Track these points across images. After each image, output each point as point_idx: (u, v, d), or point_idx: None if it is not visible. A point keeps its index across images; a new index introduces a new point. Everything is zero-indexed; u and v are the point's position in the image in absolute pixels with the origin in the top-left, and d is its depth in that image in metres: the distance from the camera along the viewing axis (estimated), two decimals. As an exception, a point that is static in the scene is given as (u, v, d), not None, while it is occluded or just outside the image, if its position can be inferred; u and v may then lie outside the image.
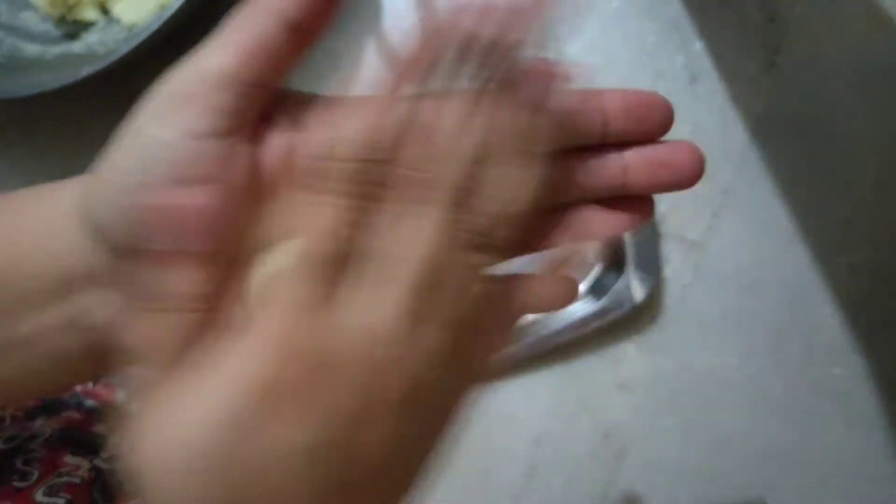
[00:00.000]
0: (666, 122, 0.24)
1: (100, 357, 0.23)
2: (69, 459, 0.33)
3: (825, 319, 0.47)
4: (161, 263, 0.20)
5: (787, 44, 0.47)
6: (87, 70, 0.43)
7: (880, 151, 0.47)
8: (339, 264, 0.20)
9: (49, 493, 0.31)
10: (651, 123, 0.24)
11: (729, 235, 0.47)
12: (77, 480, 0.33)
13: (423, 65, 0.21)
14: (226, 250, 0.20)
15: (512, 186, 0.21)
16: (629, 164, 0.24)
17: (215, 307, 0.20)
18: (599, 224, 0.24)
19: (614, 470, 0.48)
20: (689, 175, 0.24)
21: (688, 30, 0.48)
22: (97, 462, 0.34)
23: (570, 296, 0.24)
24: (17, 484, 0.31)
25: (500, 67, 0.21)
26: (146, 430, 0.19)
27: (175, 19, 0.43)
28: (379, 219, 0.20)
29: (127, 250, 0.21)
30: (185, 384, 0.19)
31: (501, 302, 0.23)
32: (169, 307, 0.20)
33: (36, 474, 0.32)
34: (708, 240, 0.48)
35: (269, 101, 0.21)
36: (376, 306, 0.19)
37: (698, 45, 0.48)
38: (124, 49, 0.43)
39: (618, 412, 0.48)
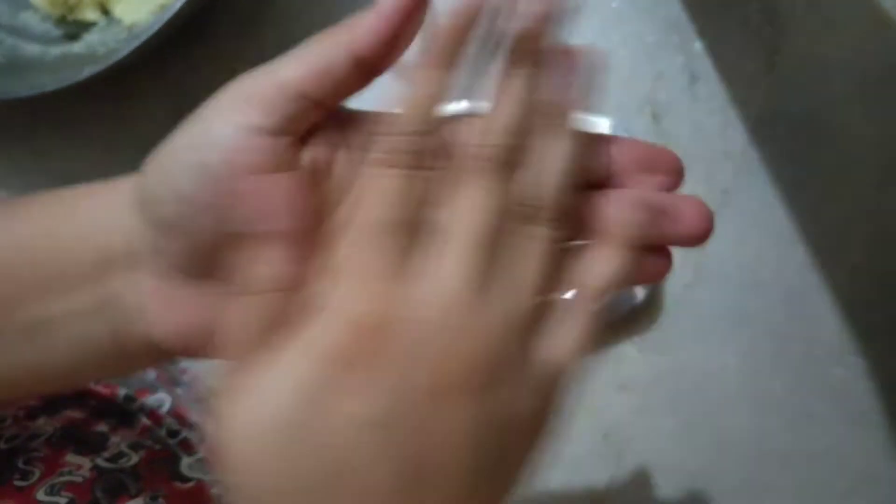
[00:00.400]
0: (675, 179, 0.24)
1: (123, 349, 0.24)
2: (70, 458, 0.33)
3: (825, 320, 0.47)
4: (249, 246, 0.21)
5: (787, 44, 0.47)
6: (87, 71, 0.43)
7: (880, 151, 0.47)
8: (405, 234, 0.21)
9: (50, 493, 0.32)
10: (658, 173, 0.24)
11: (729, 235, 0.47)
12: (78, 479, 0.33)
13: (458, 44, 0.22)
14: (306, 230, 0.22)
15: (553, 156, 0.22)
16: (626, 205, 0.24)
17: (298, 286, 0.21)
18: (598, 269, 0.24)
19: (614, 470, 0.48)
20: (693, 229, 0.24)
21: (688, 30, 0.48)
22: (98, 461, 0.34)
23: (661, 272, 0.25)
24: (18, 483, 0.31)
25: (529, 45, 0.22)
26: (231, 406, 0.20)
27: (176, 20, 0.43)
28: (435, 191, 0.21)
29: (174, 227, 0.22)
30: (269, 360, 0.20)
31: (573, 268, 0.23)
32: (259, 290, 0.21)
33: (37, 473, 0.32)
34: (708, 240, 0.48)
35: (322, 118, 0.23)
36: (442, 275, 0.20)
37: (698, 45, 0.48)
38: (125, 50, 0.43)
39: (618, 412, 0.48)
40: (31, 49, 0.51)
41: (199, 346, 0.24)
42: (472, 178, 0.21)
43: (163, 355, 0.25)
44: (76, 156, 0.52)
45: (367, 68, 0.22)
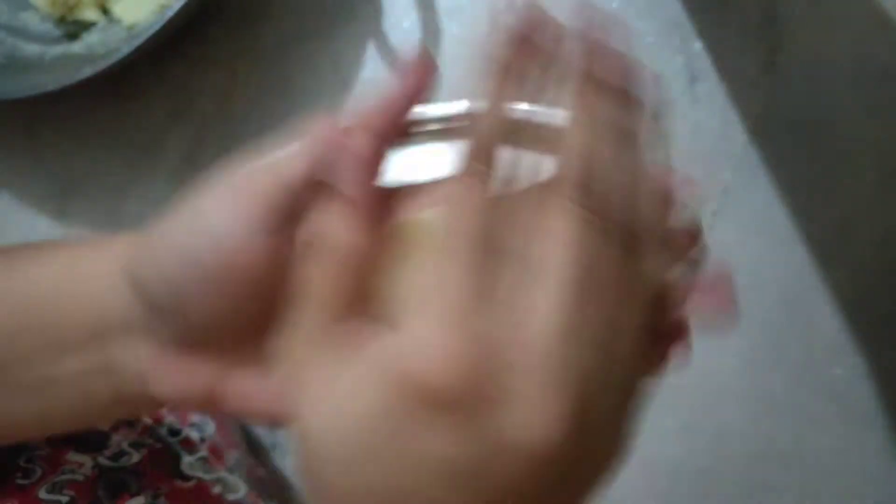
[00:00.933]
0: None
1: (128, 402, 0.25)
2: (72, 457, 0.33)
3: (825, 319, 0.47)
4: (323, 207, 0.20)
5: (787, 44, 0.47)
6: (87, 71, 0.43)
7: (880, 151, 0.47)
8: (493, 257, 0.18)
9: (52, 491, 0.32)
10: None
11: (729, 235, 0.47)
12: (80, 478, 0.33)
13: (518, 70, 0.20)
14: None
15: (634, 175, 0.20)
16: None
17: (361, 292, 0.20)
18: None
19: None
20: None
21: (688, 30, 0.48)
22: (100, 459, 0.34)
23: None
24: (20, 482, 0.31)
25: (593, 63, 0.21)
26: (308, 406, 0.19)
27: (176, 20, 0.43)
28: (517, 216, 0.19)
29: (164, 309, 0.22)
30: (344, 365, 0.19)
31: (673, 303, 0.21)
32: (334, 250, 0.20)
33: (39, 472, 0.32)
34: (708, 240, 0.48)
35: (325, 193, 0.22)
36: (541, 313, 0.18)
37: (698, 45, 0.48)
38: (125, 49, 0.43)
39: (618, 412, 0.48)
40: (31, 49, 0.51)
41: (202, 405, 0.24)
42: (565, 205, 0.19)
43: (168, 406, 0.25)
44: (76, 156, 0.52)
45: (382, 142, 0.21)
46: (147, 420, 0.38)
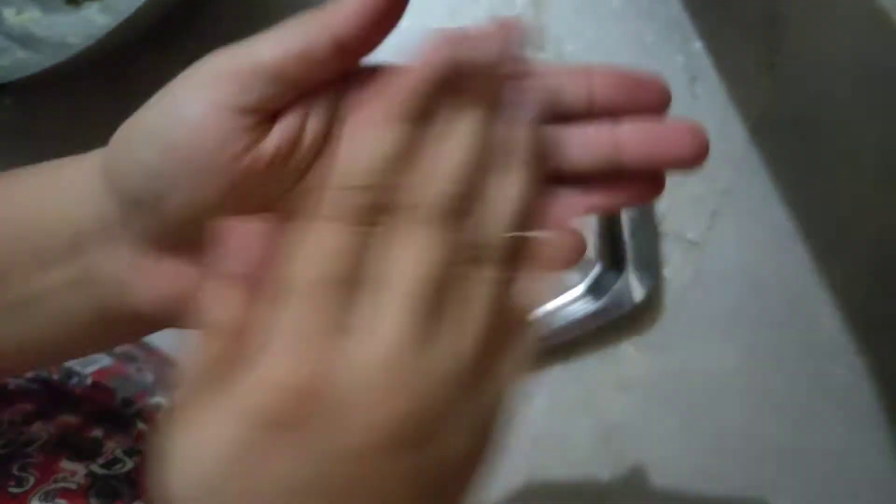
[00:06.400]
0: (660, 100, 0.23)
1: (109, 318, 0.24)
2: (65, 465, 0.33)
3: (825, 319, 0.47)
4: (213, 286, 0.20)
5: (787, 44, 0.47)
6: (83, 43, 0.42)
7: (880, 151, 0.47)
8: (344, 291, 0.19)
9: (44, 499, 0.31)
10: (643, 101, 0.23)
11: (729, 235, 0.47)
12: (73, 486, 0.32)
13: (419, 100, 0.21)
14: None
15: (504, 199, 0.21)
16: (621, 137, 0.23)
17: (246, 333, 0.20)
18: (583, 202, 0.23)
19: (614, 470, 0.48)
20: (689, 152, 0.22)
21: (688, 30, 0.48)
22: (93, 467, 0.34)
23: (579, 250, 0.23)
24: (12, 490, 0.31)
25: (482, 86, 0.22)
26: (171, 454, 0.19)
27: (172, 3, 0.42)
28: (376, 243, 0.20)
29: (141, 202, 0.22)
30: (205, 410, 0.19)
31: (514, 300, 0.22)
32: (216, 332, 0.20)
33: (32, 480, 0.32)
34: (708, 240, 0.48)
35: (297, 99, 0.22)
36: (379, 332, 0.19)
37: (698, 45, 0.48)
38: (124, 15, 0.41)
39: (618, 412, 0.48)
40: (31, 16, 0.50)
41: (183, 315, 0.24)
42: (414, 229, 0.20)
43: (149, 326, 0.25)
44: (74, 154, 0.51)
45: (347, 52, 0.22)
46: (142, 426, 0.38)
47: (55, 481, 0.32)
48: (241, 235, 0.20)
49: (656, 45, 0.48)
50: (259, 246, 0.20)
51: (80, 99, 0.50)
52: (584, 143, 0.23)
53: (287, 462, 0.18)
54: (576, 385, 0.49)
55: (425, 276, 0.20)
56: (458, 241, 0.21)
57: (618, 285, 0.47)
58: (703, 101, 0.48)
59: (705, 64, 0.48)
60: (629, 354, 0.49)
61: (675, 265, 0.48)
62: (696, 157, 0.22)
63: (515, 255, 0.22)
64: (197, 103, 0.21)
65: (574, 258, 0.23)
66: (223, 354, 0.20)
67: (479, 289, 0.21)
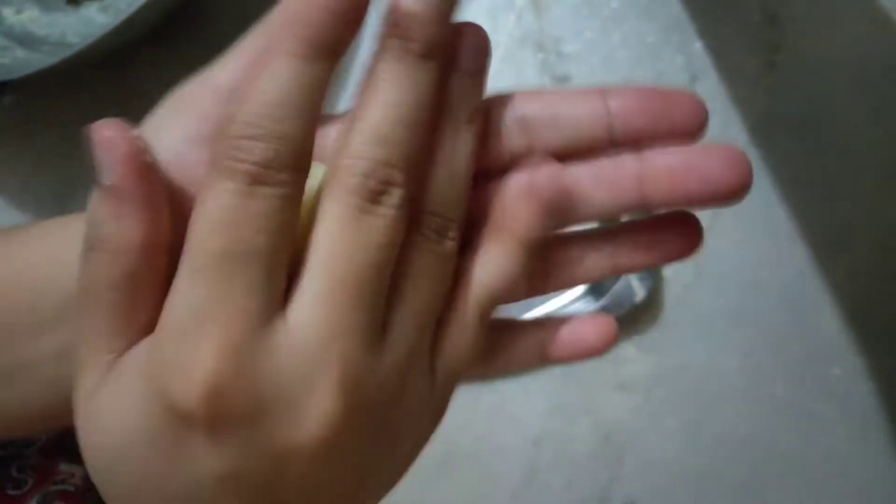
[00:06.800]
0: (694, 121, 0.20)
1: None
2: (63, 467, 0.33)
3: (825, 319, 0.47)
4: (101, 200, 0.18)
5: (787, 44, 0.47)
6: (85, 42, 0.41)
7: (880, 151, 0.47)
8: (252, 267, 0.17)
9: (42, 502, 0.31)
10: (673, 124, 0.19)
11: (729, 235, 0.47)
12: (71, 489, 0.32)
13: (330, 32, 0.18)
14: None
15: (453, 168, 0.19)
16: (645, 171, 0.20)
17: (153, 258, 0.18)
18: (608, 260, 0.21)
19: (614, 470, 0.48)
20: (727, 183, 0.19)
21: (688, 30, 0.48)
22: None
23: (608, 337, 0.22)
24: (10, 492, 0.31)
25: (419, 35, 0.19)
26: (83, 415, 0.18)
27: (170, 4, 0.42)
28: (288, 210, 0.17)
29: None
30: (111, 381, 0.18)
31: (469, 273, 0.20)
32: (107, 247, 0.18)
33: (30, 482, 0.31)
34: (708, 240, 0.48)
35: None
36: (304, 319, 0.17)
37: (698, 45, 0.48)
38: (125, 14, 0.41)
39: (618, 412, 0.48)
40: (31, 15, 0.50)
41: None
42: (351, 202, 0.17)
43: None
44: (76, 156, 0.51)
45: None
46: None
47: (53, 483, 0.32)
48: (110, 140, 0.18)
49: (656, 45, 0.48)
50: (130, 153, 0.18)
51: (79, 98, 0.50)
52: (602, 180, 0.20)
53: (217, 460, 0.17)
54: (576, 385, 0.49)
55: (362, 259, 0.17)
56: (403, 218, 0.18)
57: (618, 285, 0.47)
58: (703, 101, 0.48)
59: (705, 64, 0.48)
60: (629, 354, 0.49)
61: (675, 265, 0.48)
62: (735, 188, 0.19)
63: (470, 224, 0.20)
64: (169, 141, 0.21)
65: (603, 346, 0.22)
66: (123, 309, 0.18)
67: (427, 263, 0.19)
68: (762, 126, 0.47)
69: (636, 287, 0.47)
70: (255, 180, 0.17)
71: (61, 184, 0.51)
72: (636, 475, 0.48)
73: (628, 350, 0.48)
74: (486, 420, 0.49)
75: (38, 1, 0.51)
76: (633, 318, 0.48)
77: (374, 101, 0.18)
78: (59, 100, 0.51)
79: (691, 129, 0.20)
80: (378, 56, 0.19)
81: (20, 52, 0.49)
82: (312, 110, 0.18)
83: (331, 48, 0.18)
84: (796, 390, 0.47)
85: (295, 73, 0.17)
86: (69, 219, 0.24)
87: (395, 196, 0.18)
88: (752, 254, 0.48)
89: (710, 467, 0.48)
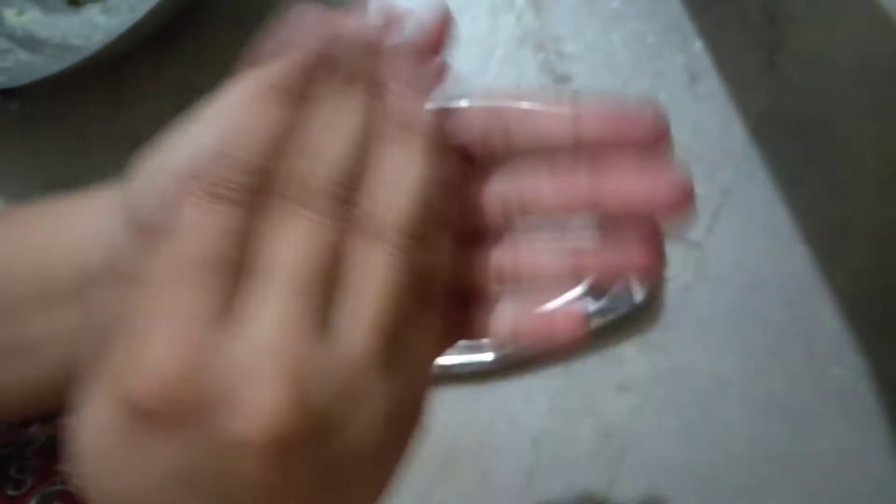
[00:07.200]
0: (653, 136, 0.21)
1: None
2: (63, 467, 0.33)
3: (825, 319, 0.47)
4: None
5: (787, 44, 0.47)
6: (87, 50, 0.42)
7: (880, 151, 0.47)
8: (223, 275, 0.18)
9: (43, 502, 0.31)
10: (634, 138, 0.21)
11: (729, 235, 0.47)
12: (71, 489, 0.32)
13: (306, 78, 0.21)
14: None
15: (401, 172, 0.21)
16: (601, 179, 0.22)
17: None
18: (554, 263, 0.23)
19: (614, 470, 0.48)
20: (666, 200, 0.21)
21: (688, 30, 0.48)
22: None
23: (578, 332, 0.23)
24: (10, 492, 0.31)
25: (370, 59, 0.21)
26: (76, 423, 0.19)
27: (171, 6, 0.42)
28: (261, 227, 0.19)
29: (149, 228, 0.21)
30: (91, 385, 0.19)
31: (429, 278, 0.21)
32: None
33: (30, 482, 0.32)
34: (708, 240, 0.48)
35: None
36: (261, 318, 0.18)
37: (698, 45, 0.48)
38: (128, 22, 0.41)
39: (618, 412, 0.48)
40: (32, 16, 0.50)
41: None
42: (297, 211, 0.19)
43: None
44: (76, 155, 0.51)
45: None
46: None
47: (53, 484, 0.32)
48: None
49: (656, 45, 0.48)
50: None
51: (79, 100, 0.50)
52: (559, 188, 0.22)
53: (174, 455, 0.18)
54: (576, 385, 0.49)
55: (309, 260, 0.19)
56: (350, 221, 0.20)
57: (618, 286, 0.47)
58: (703, 101, 0.48)
59: (705, 64, 0.48)
60: (630, 355, 0.49)
61: (675, 265, 0.48)
62: (674, 205, 0.21)
63: (436, 233, 0.21)
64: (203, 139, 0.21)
65: (567, 339, 0.23)
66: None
67: (379, 268, 0.20)
68: (762, 126, 0.47)
69: (636, 287, 0.47)
70: (238, 203, 0.19)
71: (62, 184, 0.51)
72: (636, 475, 0.48)
73: (628, 350, 0.48)
74: (486, 420, 0.49)
75: (39, 2, 0.51)
76: (633, 319, 0.48)
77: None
78: (59, 102, 0.51)
79: (652, 141, 0.22)
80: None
81: (22, 55, 0.49)
82: (283, 146, 0.20)
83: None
84: (796, 390, 0.47)
85: (273, 114, 0.20)
86: (89, 194, 0.24)
87: (327, 200, 0.19)
88: (752, 254, 0.48)
89: (709, 467, 0.47)
